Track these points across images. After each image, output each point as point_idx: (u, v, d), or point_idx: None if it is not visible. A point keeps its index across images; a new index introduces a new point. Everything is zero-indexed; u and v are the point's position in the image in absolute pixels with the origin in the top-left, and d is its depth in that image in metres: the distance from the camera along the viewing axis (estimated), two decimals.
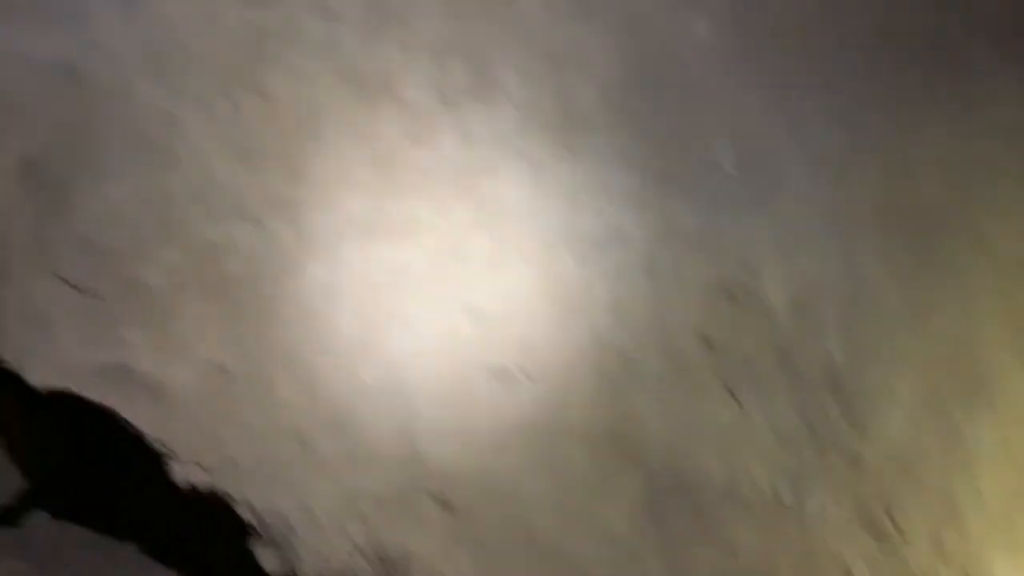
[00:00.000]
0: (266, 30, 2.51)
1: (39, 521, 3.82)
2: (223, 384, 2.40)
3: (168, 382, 2.35)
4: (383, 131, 2.66)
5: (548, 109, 2.77)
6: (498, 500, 2.56)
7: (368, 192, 2.60)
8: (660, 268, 2.78)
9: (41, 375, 2.31)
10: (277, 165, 2.52)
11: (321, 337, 2.48)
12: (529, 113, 2.76)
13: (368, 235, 2.59)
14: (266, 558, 2.44)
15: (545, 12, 2.84)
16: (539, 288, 2.61)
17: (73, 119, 2.29)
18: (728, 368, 2.98)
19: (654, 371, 2.78)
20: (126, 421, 2.33)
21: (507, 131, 2.75)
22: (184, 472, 2.35)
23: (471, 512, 2.52)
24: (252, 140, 2.50)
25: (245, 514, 2.42)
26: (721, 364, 2.97)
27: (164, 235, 2.40)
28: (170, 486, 2.38)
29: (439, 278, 2.59)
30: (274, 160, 2.51)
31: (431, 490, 2.50)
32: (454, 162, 2.71)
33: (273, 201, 2.52)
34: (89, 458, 3.81)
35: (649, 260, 2.77)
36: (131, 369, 2.35)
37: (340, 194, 2.57)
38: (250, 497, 2.39)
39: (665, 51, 2.92)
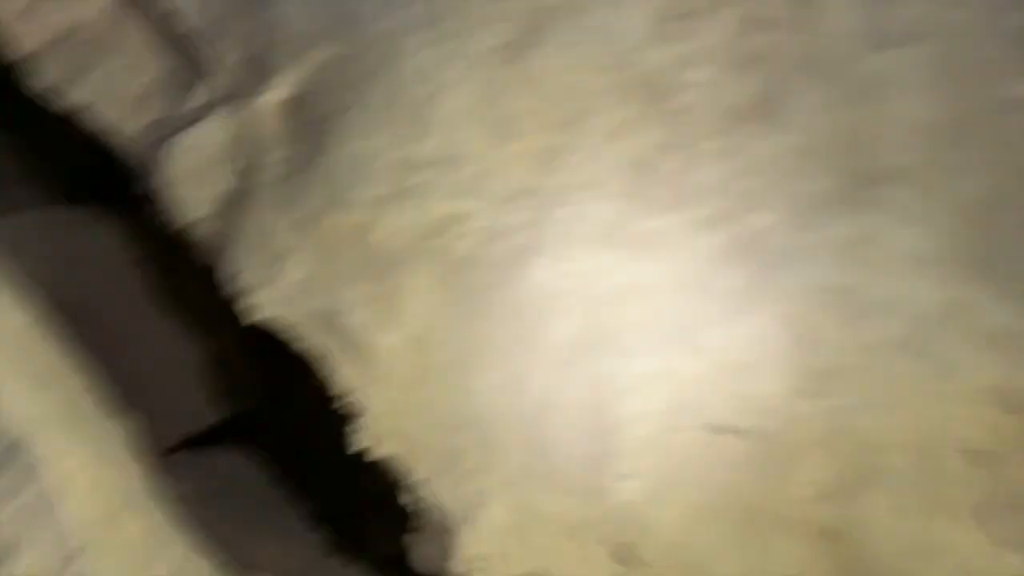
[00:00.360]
0: (545, 6, 2.38)
1: (227, 452, 4.04)
2: (426, 359, 2.30)
3: (375, 344, 2.29)
4: (645, 137, 2.44)
5: (838, 146, 2.41)
6: (676, 567, 2.24)
7: (614, 198, 2.40)
8: (934, 357, 2.31)
9: (262, 309, 2.32)
10: (527, 151, 2.38)
11: (531, 338, 2.30)
12: (814, 147, 2.42)
13: (604, 243, 2.38)
14: (420, 545, 2.30)
15: (854, 34, 2.48)
16: (783, 342, 2.26)
17: (341, 64, 2.29)
18: (986, 495, 2.44)
19: (898, 473, 2.32)
20: (330, 371, 2.29)
21: (785, 163, 2.42)
22: (366, 436, 2.27)
23: (643, 569, 2.24)
24: (508, 120, 2.38)
25: (410, 497, 2.29)
26: (980, 489, 2.43)
27: (401, 199, 2.34)
28: (348, 448, 2.32)
29: (671, 306, 2.32)
30: (525, 145, 2.38)
31: (607, 532, 2.24)
32: (715, 184, 2.43)
33: (515, 187, 2.38)
34: (283, 402, 3.95)
35: (922, 344, 2.31)
36: (344, 322, 2.31)
37: (584, 193, 2.38)
38: (420, 479, 2.26)
39: (998, 95, 2.44)
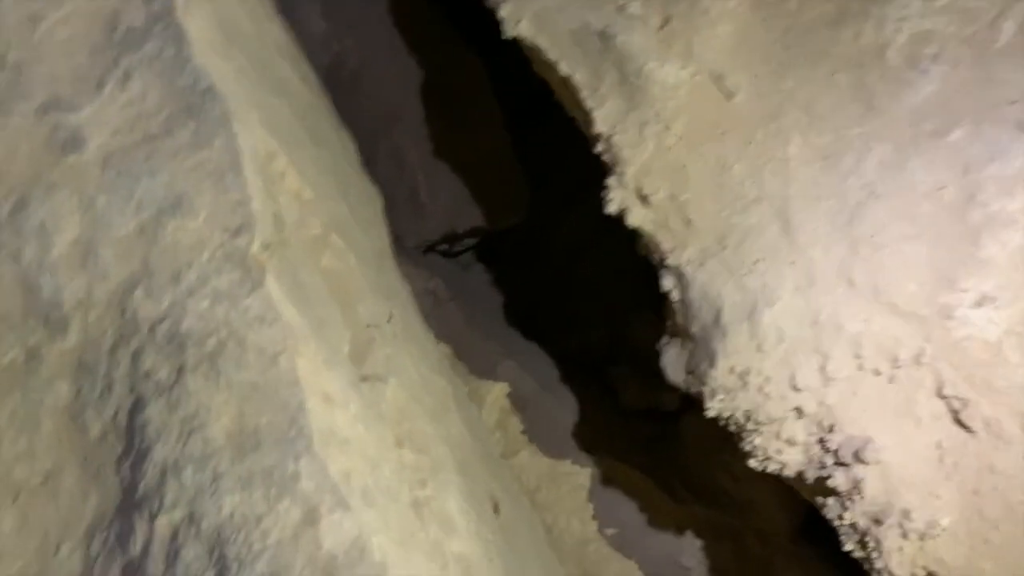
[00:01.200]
0: None
1: (484, 265, 3.78)
2: (717, 107, 1.74)
3: (655, 76, 1.77)
4: None
5: None
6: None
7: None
8: None
9: (523, 23, 1.86)
10: None
11: (874, 105, 1.64)
12: None
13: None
14: (675, 350, 1.79)
15: None
16: None
17: None
18: None
19: None
20: (590, 107, 1.80)
21: None
22: (621, 195, 1.77)
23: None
24: None
25: (669, 282, 1.77)
26: None
27: None
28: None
29: None
30: None
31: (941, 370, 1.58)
32: None
33: None
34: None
35: None
36: (620, 45, 1.79)
37: None
38: (686, 261, 1.73)
39: None
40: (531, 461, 2.98)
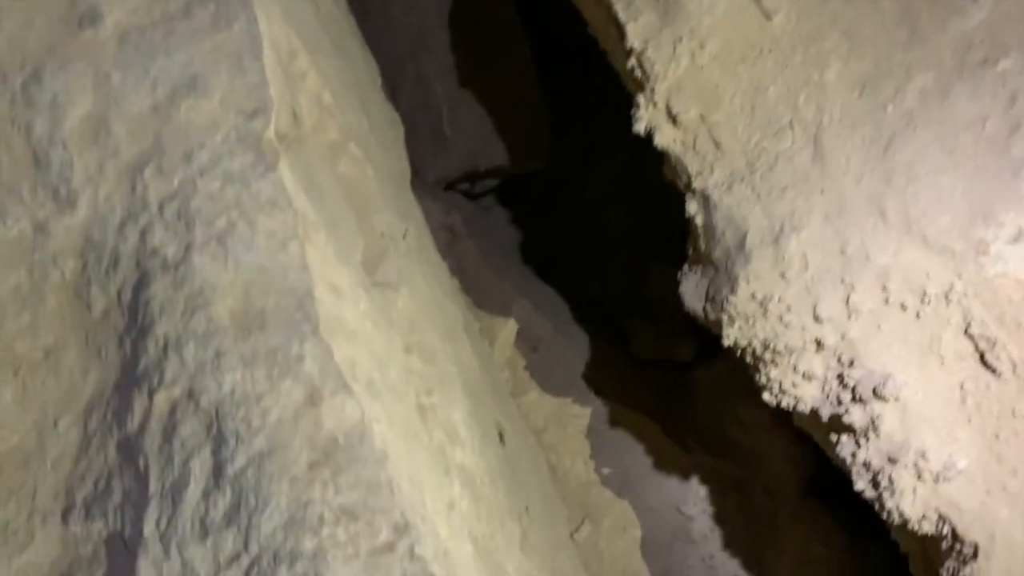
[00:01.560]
0: None
1: (503, 204, 3.73)
2: (759, 27, 1.67)
3: None
4: None
5: None
6: None
7: None
8: None
9: None
10: None
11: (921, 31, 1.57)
12: None
13: None
14: (694, 277, 1.74)
15: None
16: None
17: None
18: None
19: None
20: (622, 22, 1.74)
21: None
22: (650, 113, 1.71)
23: None
24: None
25: (693, 207, 1.72)
26: None
27: None
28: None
29: None
30: None
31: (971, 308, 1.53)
32: None
33: None
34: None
35: None
36: None
37: None
38: (713, 183, 1.67)
39: None
40: (539, 401, 2.96)
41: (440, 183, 3.35)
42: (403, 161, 2.68)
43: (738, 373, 3.11)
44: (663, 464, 2.85)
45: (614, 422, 2.92)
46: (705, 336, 3.55)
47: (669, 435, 2.95)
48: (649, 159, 3.57)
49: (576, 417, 2.93)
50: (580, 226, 3.70)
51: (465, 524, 1.43)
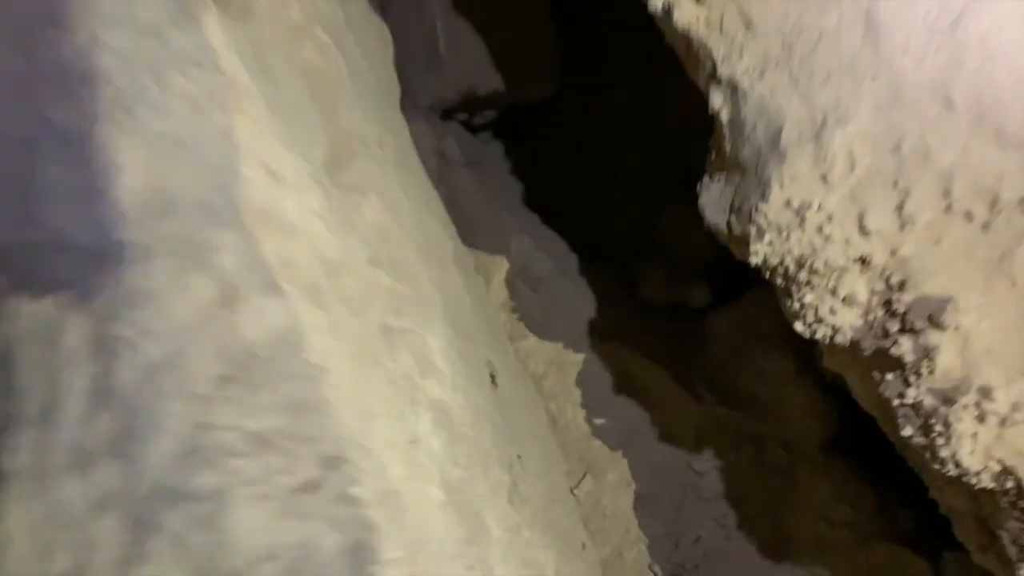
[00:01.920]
0: None
1: (504, 136, 3.45)
2: None
3: None
4: None
5: None
6: None
7: None
8: None
9: None
10: None
11: None
12: None
13: None
14: (716, 184, 1.47)
15: None
16: None
17: None
18: None
19: None
20: None
21: None
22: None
23: None
24: None
25: (718, 99, 1.45)
26: None
27: None
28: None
29: None
30: None
31: None
32: None
33: None
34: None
35: None
36: None
37: None
38: (742, 70, 1.40)
39: None
40: (539, 346, 2.71)
41: (435, 109, 3.06)
42: (390, 76, 2.40)
43: (757, 319, 2.86)
44: (673, 416, 2.61)
45: (620, 371, 2.67)
46: (720, 282, 3.32)
47: (680, 385, 2.70)
48: (661, 93, 3.29)
49: (579, 364, 2.67)
50: (589, 163, 3.43)
51: (435, 465, 1.19)
